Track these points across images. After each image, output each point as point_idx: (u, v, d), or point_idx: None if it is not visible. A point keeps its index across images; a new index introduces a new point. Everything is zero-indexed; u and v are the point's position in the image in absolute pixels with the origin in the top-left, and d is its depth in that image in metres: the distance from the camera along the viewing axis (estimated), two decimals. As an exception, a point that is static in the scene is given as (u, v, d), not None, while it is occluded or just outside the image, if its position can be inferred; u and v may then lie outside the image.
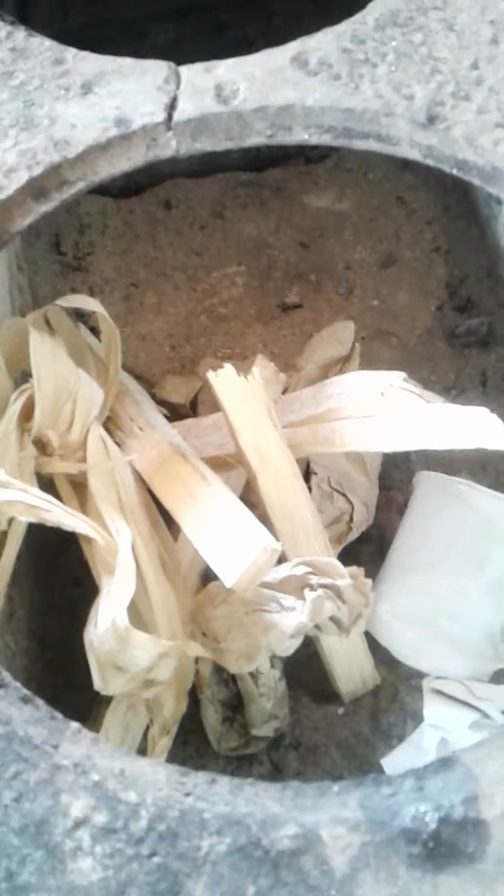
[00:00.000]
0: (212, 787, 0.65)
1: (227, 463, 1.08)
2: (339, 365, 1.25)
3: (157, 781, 0.65)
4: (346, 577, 0.94)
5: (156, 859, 0.62)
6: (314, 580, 0.93)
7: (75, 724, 0.68)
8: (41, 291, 1.41)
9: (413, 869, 0.61)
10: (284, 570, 0.94)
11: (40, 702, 0.69)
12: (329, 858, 0.61)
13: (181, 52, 1.02)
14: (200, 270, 1.46)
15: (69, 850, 0.62)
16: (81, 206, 1.49)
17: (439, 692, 1.05)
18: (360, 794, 0.64)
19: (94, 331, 1.20)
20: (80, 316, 1.25)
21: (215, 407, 1.12)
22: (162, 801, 0.64)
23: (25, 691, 0.69)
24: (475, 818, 0.62)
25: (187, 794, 0.64)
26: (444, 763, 0.65)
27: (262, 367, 1.17)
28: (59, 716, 0.68)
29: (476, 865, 0.61)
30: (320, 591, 0.93)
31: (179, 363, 1.38)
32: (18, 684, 0.69)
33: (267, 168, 1.54)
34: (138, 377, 1.27)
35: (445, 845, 0.62)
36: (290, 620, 0.93)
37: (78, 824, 0.63)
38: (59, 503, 0.89)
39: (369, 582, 0.96)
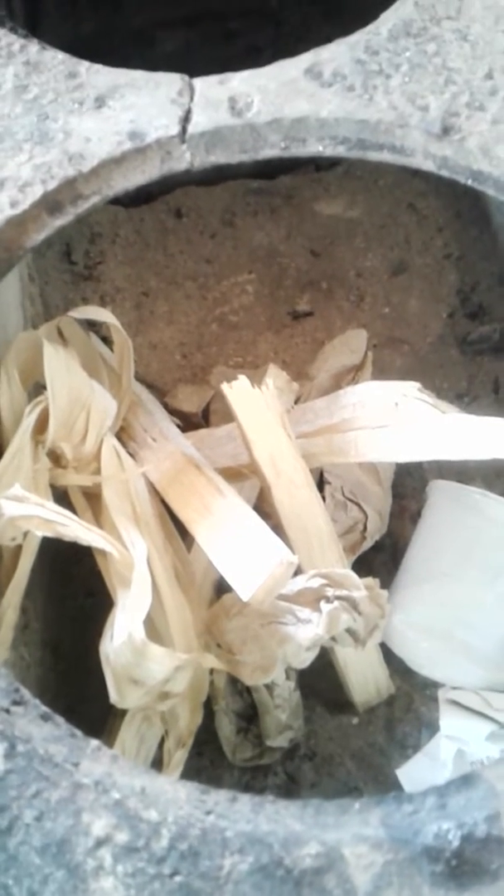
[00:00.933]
0: (233, 804, 0.65)
1: (241, 473, 1.08)
2: (352, 374, 1.24)
3: (177, 799, 0.65)
4: (361, 588, 0.93)
5: (178, 878, 0.62)
6: (330, 592, 0.93)
7: (95, 742, 0.68)
8: (52, 301, 1.41)
9: (436, 887, 0.61)
10: (300, 583, 0.94)
11: (60, 719, 0.69)
12: (352, 877, 0.61)
13: (190, 60, 1.02)
14: (211, 279, 1.46)
15: (91, 870, 0.62)
16: (92, 216, 1.48)
17: (455, 703, 1.05)
18: (382, 812, 0.64)
19: (106, 340, 1.20)
20: (91, 325, 1.25)
21: (228, 416, 1.12)
22: (183, 819, 0.63)
23: (45, 708, 0.69)
24: (498, 836, 0.62)
25: (208, 813, 0.64)
26: (467, 780, 0.65)
27: (274, 377, 1.17)
28: (79, 733, 0.68)
29: (500, 883, 0.61)
30: (336, 604, 0.92)
31: (191, 372, 1.38)
32: (38, 701, 0.69)
33: (277, 176, 1.54)
34: (150, 386, 1.27)
35: (469, 863, 0.61)
36: (306, 633, 0.92)
37: (99, 843, 0.63)
38: (74, 517, 0.89)
39: (385, 593, 0.96)
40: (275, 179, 1.54)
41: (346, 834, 0.63)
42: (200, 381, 1.37)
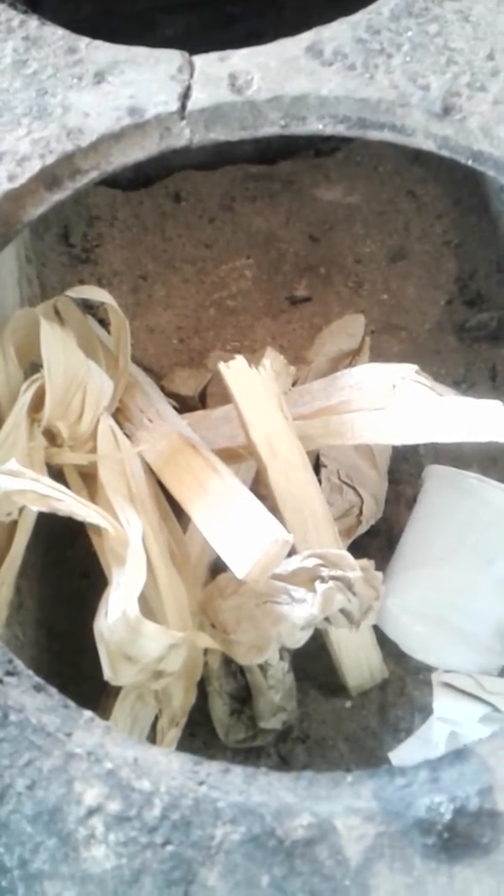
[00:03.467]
0: (225, 776, 0.65)
1: (238, 454, 1.08)
2: (349, 358, 1.24)
3: (170, 770, 0.65)
4: (356, 569, 0.93)
5: (169, 848, 0.62)
6: (325, 572, 0.93)
7: (88, 713, 0.68)
8: (49, 283, 1.40)
9: (428, 859, 0.61)
10: (295, 562, 0.94)
11: (53, 690, 0.69)
12: (344, 848, 0.61)
13: (190, 44, 1.01)
14: (209, 263, 1.46)
15: (83, 838, 0.62)
16: (90, 198, 1.48)
17: (449, 685, 1.05)
18: (375, 785, 0.64)
19: (103, 323, 1.20)
20: (88, 308, 1.25)
21: (224, 400, 1.11)
22: (175, 789, 0.63)
23: (38, 679, 0.69)
24: (490, 809, 0.62)
25: (201, 783, 0.64)
26: (459, 754, 0.65)
27: (272, 360, 1.17)
28: (72, 704, 0.68)
29: (491, 857, 0.61)
30: (331, 584, 0.92)
31: (188, 356, 1.38)
32: (31, 672, 0.69)
33: (277, 161, 1.54)
34: (147, 370, 1.26)
35: (460, 836, 0.61)
36: (300, 612, 0.92)
37: (91, 812, 0.63)
38: (70, 493, 0.88)
39: (380, 575, 0.96)
40: (274, 164, 1.54)
41: (339, 806, 0.63)
42: (198, 365, 1.36)
